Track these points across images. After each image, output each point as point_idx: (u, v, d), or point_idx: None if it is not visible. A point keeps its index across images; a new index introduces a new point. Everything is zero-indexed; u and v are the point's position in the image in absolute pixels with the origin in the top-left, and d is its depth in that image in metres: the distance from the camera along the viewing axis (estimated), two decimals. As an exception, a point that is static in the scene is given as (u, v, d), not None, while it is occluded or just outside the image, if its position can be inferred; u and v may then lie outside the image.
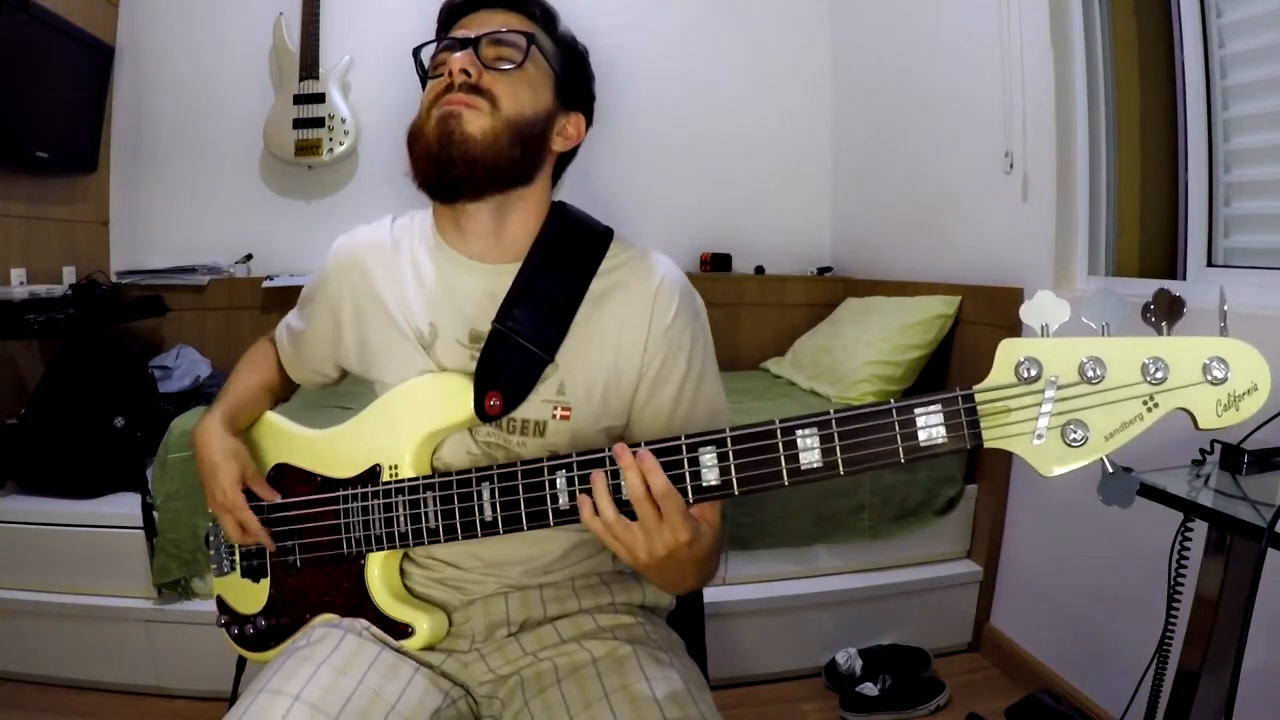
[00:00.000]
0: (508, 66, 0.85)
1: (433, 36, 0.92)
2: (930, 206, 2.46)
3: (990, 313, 2.09)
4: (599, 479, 0.73)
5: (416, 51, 0.91)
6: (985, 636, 2.10)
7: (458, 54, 0.85)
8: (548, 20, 0.91)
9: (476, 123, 0.83)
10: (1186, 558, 1.06)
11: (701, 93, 3.01)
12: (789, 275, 3.03)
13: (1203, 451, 1.10)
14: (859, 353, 2.27)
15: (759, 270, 3.02)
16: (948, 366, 2.25)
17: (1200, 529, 1.04)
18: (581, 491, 0.75)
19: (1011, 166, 2.05)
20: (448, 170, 0.83)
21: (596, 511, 0.73)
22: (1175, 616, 1.09)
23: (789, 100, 3.09)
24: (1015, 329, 2.23)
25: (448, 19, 0.91)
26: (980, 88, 2.16)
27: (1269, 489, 0.99)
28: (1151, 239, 1.86)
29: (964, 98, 2.26)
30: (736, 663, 1.95)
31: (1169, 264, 1.78)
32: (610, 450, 0.74)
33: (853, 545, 2.02)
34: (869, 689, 1.85)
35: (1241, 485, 1.01)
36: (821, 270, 3.06)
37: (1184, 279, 1.68)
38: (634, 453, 0.72)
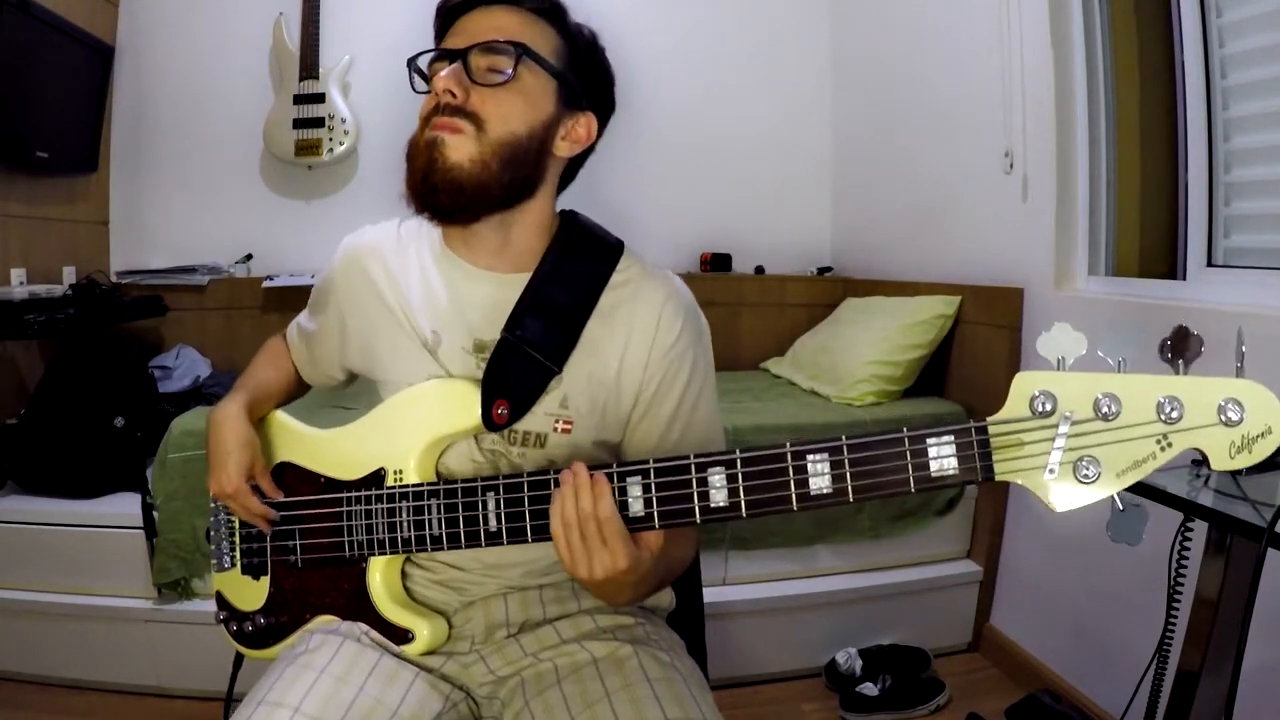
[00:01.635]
0: (499, 79, 0.82)
1: (432, 38, 0.90)
2: (930, 206, 2.46)
3: (990, 313, 2.09)
4: (575, 479, 0.74)
5: (411, 62, 0.89)
6: (985, 636, 2.10)
7: (444, 72, 0.82)
8: (554, 14, 0.87)
9: (462, 149, 0.81)
10: (1186, 558, 1.06)
11: (702, 93, 3.01)
12: (789, 275, 3.03)
13: (1205, 460, 1.10)
14: (859, 353, 2.27)
15: (759, 270, 3.02)
16: (948, 366, 2.25)
17: (1200, 529, 1.04)
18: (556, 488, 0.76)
19: (1011, 166, 2.05)
20: (432, 198, 0.82)
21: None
22: (1175, 616, 1.09)
23: (789, 100, 3.09)
24: (1016, 329, 2.23)
25: (444, 21, 0.88)
26: (980, 88, 2.16)
27: (1269, 489, 0.99)
28: (1151, 239, 1.86)
29: (964, 98, 2.26)
30: (736, 663, 1.95)
31: (1169, 264, 1.78)
32: (571, 468, 0.75)
33: (853, 545, 2.02)
34: (869, 689, 1.85)
35: (1241, 485, 1.01)
36: (821, 270, 3.06)
37: (1184, 279, 1.68)
38: (592, 475, 0.73)
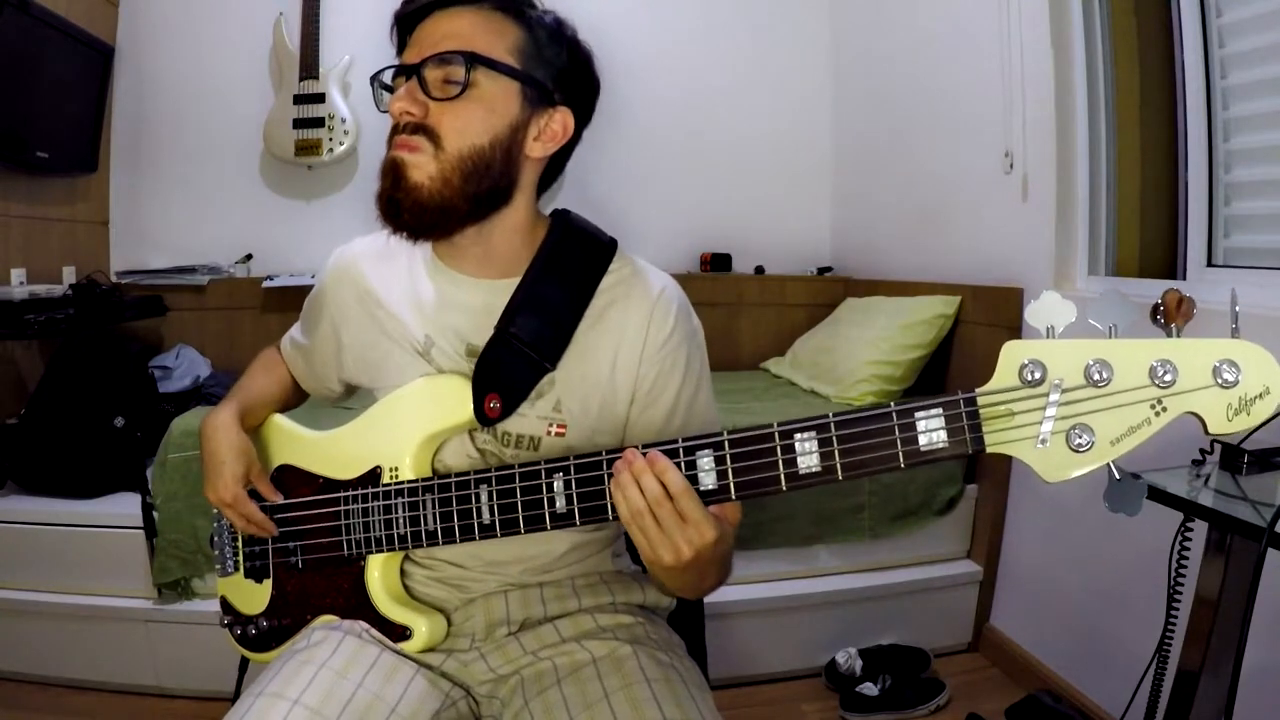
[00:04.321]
0: (454, 92, 0.79)
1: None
2: (930, 206, 2.46)
3: (990, 313, 2.09)
4: (640, 461, 0.71)
5: (375, 80, 0.86)
6: (985, 636, 2.10)
7: (399, 90, 0.81)
8: (513, 8, 0.83)
9: (422, 169, 0.80)
10: (1186, 558, 1.06)
11: (701, 93, 3.01)
12: (789, 275, 3.03)
13: (1203, 451, 1.10)
14: (859, 353, 2.27)
15: (759, 270, 3.02)
16: (948, 366, 2.25)
17: (1200, 529, 1.04)
18: (610, 475, 0.73)
19: (1011, 166, 2.05)
20: (398, 219, 0.82)
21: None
22: (1175, 616, 1.09)
23: (789, 100, 3.09)
24: (1016, 329, 2.22)
25: (401, 31, 0.86)
26: (980, 88, 2.16)
27: (1269, 489, 0.99)
28: (1151, 239, 1.86)
29: (964, 98, 2.26)
30: (736, 663, 1.95)
31: (1169, 264, 1.78)
32: (622, 454, 0.72)
33: (853, 545, 2.02)
34: (869, 689, 1.85)
35: (1241, 485, 1.01)
36: (821, 270, 3.06)
37: (1184, 279, 1.68)
38: (644, 454, 0.71)
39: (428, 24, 0.83)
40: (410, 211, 0.81)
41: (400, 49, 0.86)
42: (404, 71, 0.83)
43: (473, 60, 0.79)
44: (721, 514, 0.74)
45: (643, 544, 0.73)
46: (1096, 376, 0.60)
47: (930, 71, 2.45)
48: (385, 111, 0.84)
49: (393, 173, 0.81)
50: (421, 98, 0.80)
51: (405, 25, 0.85)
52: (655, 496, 0.70)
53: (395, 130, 0.82)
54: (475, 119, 0.81)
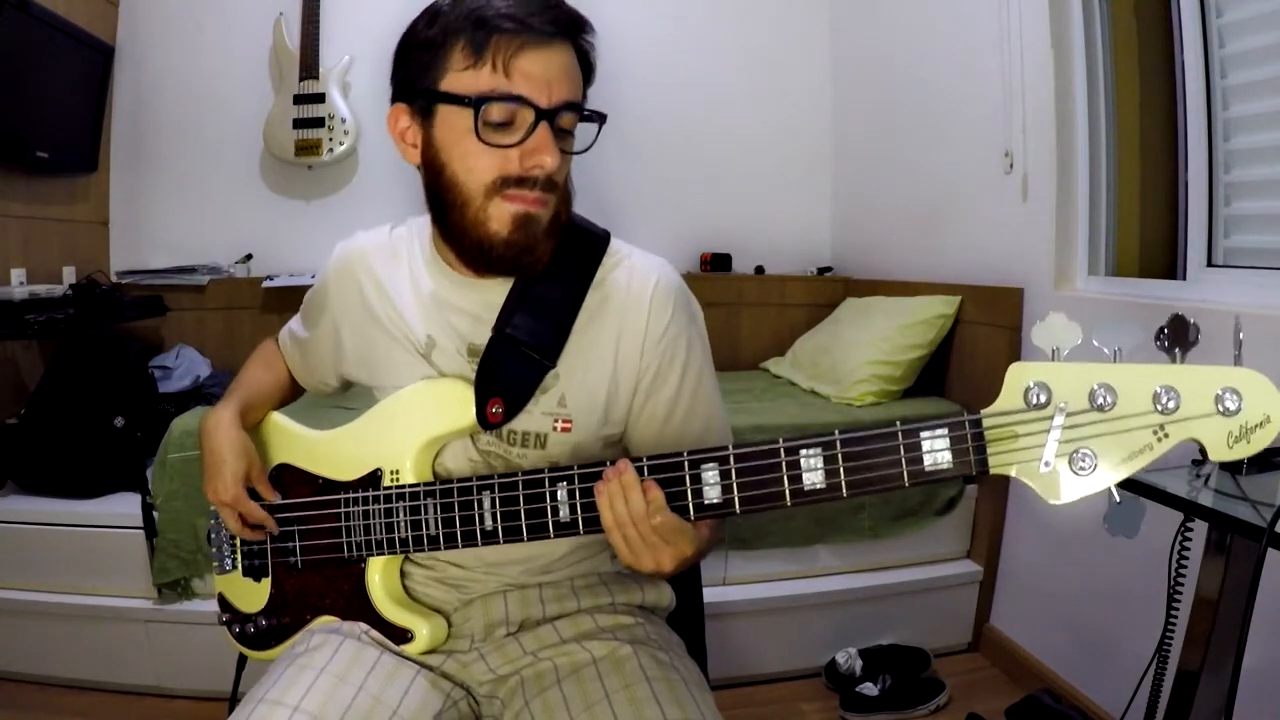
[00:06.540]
0: (574, 145, 0.83)
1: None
2: (930, 206, 2.46)
3: (990, 313, 2.09)
4: (625, 475, 0.73)
5: (478, 104, 0.76)
6: (985, 636, 2.10)
7: (549, 152, 0.77)
8: (586, 56, 0.84)
9: (548, 215, 0.82)
10: (1186, 558, 1.06)
11: (701, 92, 3.01)
12: (789, 275, 3.03)
13: (1203, 452, 1.10)
14: (859, 353, 2.27)
15: (759, 270, 3.02)
16: (948, 367, 2.25)
17: (1200, 529, 1.04)
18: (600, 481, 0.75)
19: (1011, 166, 2.05)
20: (518, 267, 0.84)
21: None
22: (1175, 616, 1.09)
23: (789, 100, 3.09)
24: (1015, 329, 2.22)
25: (485, 38, 0.76)
26: (980, 88, 2.16)
27: (1269, 489, 0.99)
28: (1151, 239, 1.86)
29: (964, 98, 2.26)
30: (736, 663, 1.95)
31: (1169, 264, 1.78)
32: (615, 465, 0.73)
33: (853, 545, 2.02)
34: (869, 689, 1.85)
35: (1241, 485, 1.01)
36: (821, 270, 3.06)
37: (1184, 279, 1.68)
38: (643, 477, 0.73)
39: (539, 56, 0.77)
40: (539, 256, 0.83)
41: (475, 52, 0.77)
42: (535, 113, 0.77)
43: (585, 116, 0.82)
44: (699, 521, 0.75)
45: (623, 551, 0.74)
46: (1101, 401, 0.61)
47: (930, 71, 2.45)
48: (501, 144, 0.77)
49: (525, 230, 0.80)
50: (560, 158, 0.80)
51: (499, 39, 0.76)
52: (639, 513, 0.72)
53: (515, 182, 0.79)
54: (570, 162, 0.85)
